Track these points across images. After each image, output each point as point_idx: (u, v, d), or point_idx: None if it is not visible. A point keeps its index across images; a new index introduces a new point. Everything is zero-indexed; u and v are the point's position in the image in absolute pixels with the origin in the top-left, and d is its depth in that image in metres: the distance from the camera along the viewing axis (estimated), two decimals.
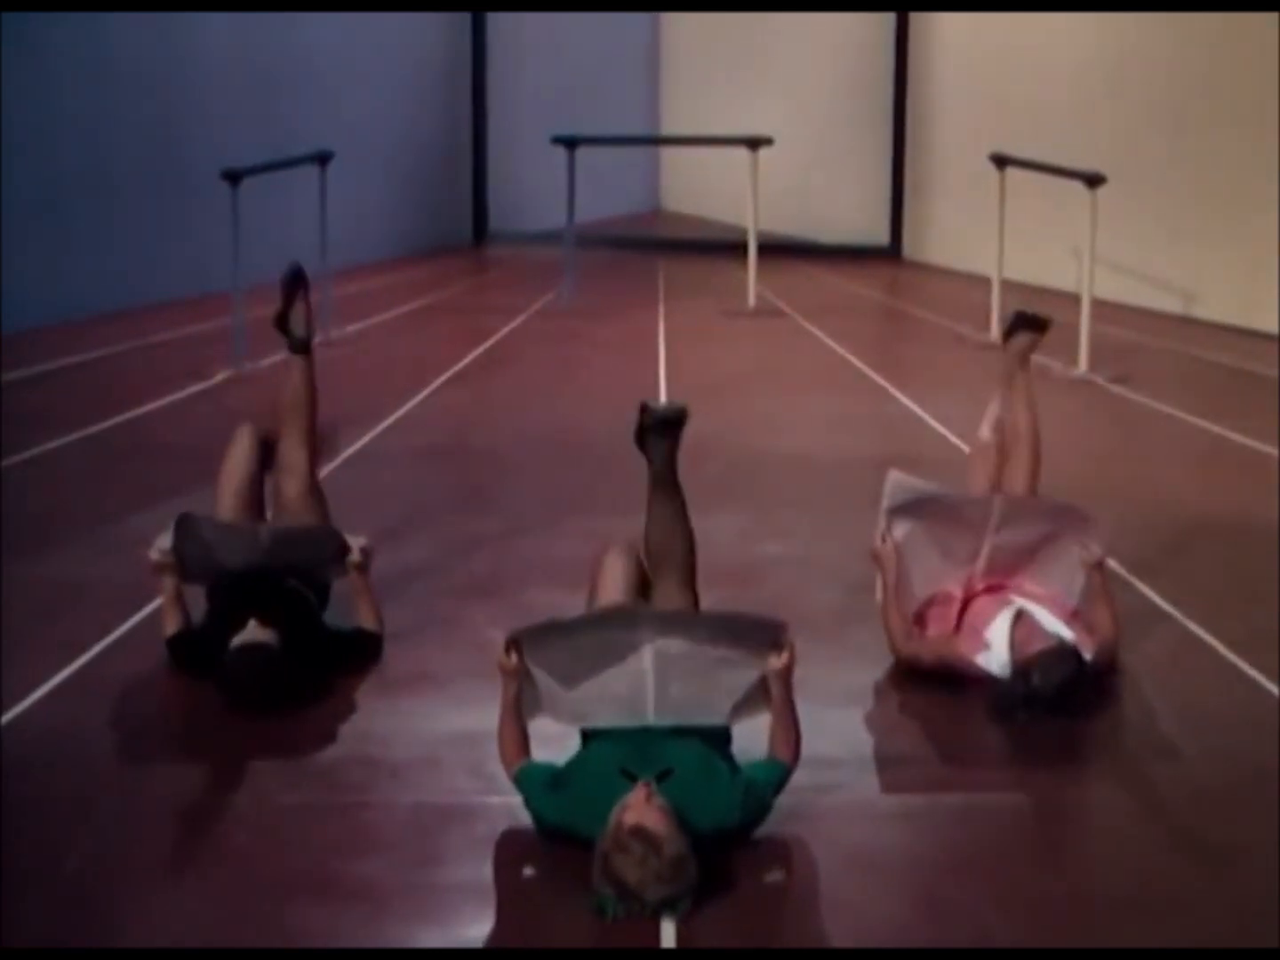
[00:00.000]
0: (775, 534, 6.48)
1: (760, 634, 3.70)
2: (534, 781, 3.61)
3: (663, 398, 9.56)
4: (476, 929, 3.30)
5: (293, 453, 5.19)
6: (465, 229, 24.58)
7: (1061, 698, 4.29)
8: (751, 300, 15.07)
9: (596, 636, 3.68)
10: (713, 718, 3.70)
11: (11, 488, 7.18)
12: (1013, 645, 4.51)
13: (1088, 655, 4.47)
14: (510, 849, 3.62)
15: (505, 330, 13.51)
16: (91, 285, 13.71)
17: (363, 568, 4.91)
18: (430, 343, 12.97)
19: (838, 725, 4.30)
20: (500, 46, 24.63)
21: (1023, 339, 5.40)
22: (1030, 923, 3.32)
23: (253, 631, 4.43)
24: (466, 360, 11.53)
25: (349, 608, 4.93)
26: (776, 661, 3.68)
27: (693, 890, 3.24)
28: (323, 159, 12.59)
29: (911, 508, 4.88)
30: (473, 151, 24.57)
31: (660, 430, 4.25)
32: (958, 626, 4.75)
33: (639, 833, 3.20)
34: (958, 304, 15.61)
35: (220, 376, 10.38)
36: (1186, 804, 3.96)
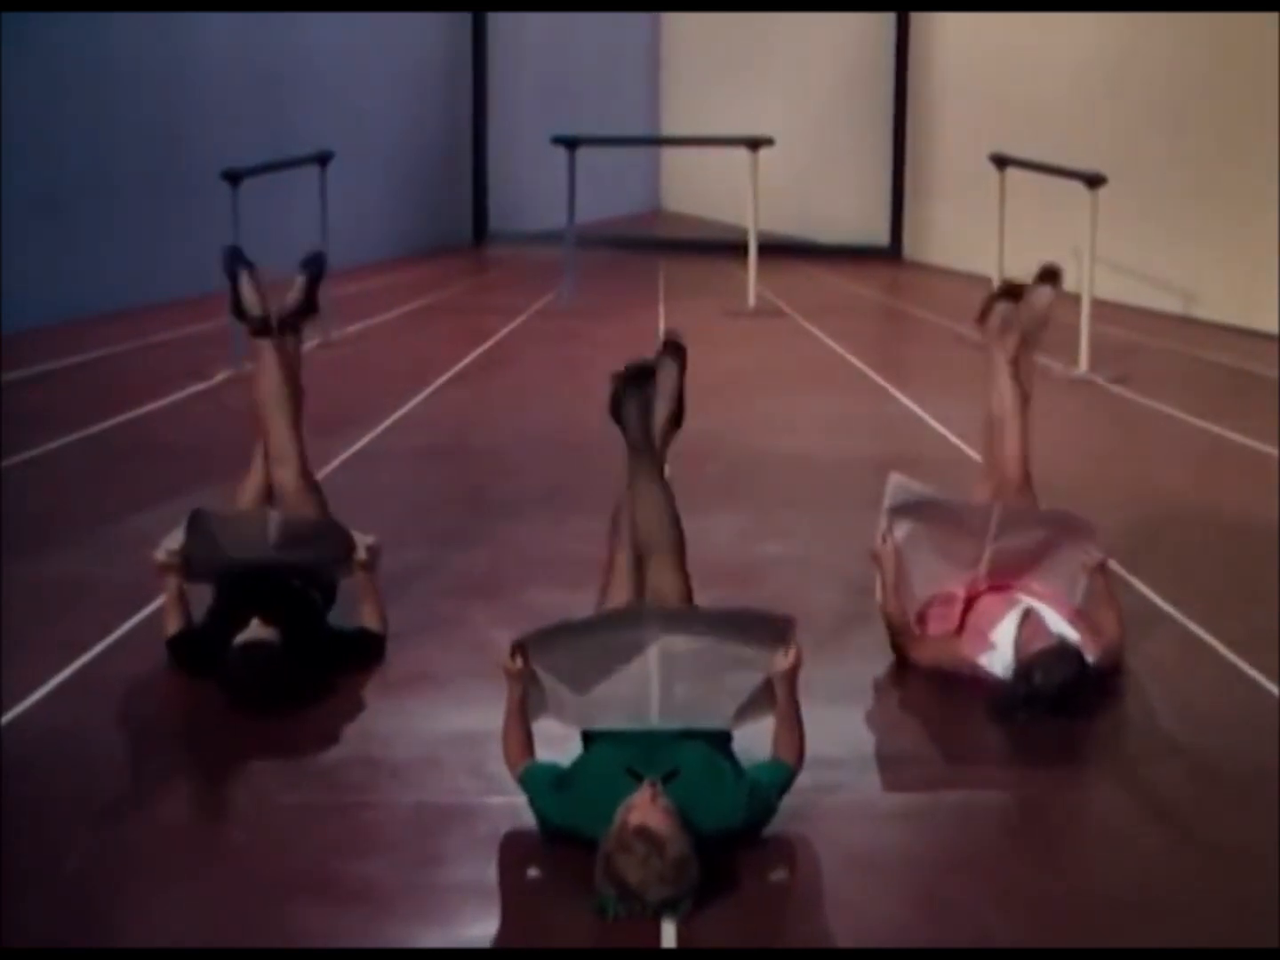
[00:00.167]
0: (775, 534, 6.47)
1: (766, 630, 3.70)
2: (538, 782, 3.61)
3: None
4: (477, 929, 3.30)
5: (283, 443, 5.16)
6: (465, 229, 24.57)
7: (1063, 698, 4.29)
8: (752, 300, 15.07)
9: (603, 638, 3.67)
10: (717, 720, 3.69)
11: (11, 488, 7.18)
12: (1018, 645, 4.50)
13: (1090, 656, 4.47)
14: (512, 849, 3.62)
15: (505, 330, 13.51)
16: (91, 285, 13.70)
17: (369, 566, 4.91)
18: (430, 343, 12.97)
19: (838, 725, 4.30)
20: (500, 47, 24.62)
21: (999, 309, 5.33)
22: (1030, 923, 3.32)
23: (255, 630, 4.43)
24: (467, 360, 11.53)
25: (353, 607, 4.93)
26: (782, 662, 3.67)
27: (694, 892, 3.24)
28: (323, 159, 12.58)
29: (912, 509, 4.88)
30: (473, 151, 24.56)
31: (630, 388, 4.18)
32: (961, 626, 4.74)
33: (643, 833, 3.20)
34: (958, 304, 15.57)
35: (220, 376, 10.38)
36: (1187, 804, 3.96)
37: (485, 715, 4.00)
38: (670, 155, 29.23)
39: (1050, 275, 5.31)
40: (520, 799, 3.66)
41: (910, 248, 23.06)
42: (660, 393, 4.26)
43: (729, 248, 18.67)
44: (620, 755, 3.53)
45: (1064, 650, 4.38)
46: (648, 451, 4.20)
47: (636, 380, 4.19)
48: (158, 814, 3.82)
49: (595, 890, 3.24)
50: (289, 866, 3.53)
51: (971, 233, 18.21)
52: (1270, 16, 13.68)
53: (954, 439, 8.37)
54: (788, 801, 3.64)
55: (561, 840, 3.52)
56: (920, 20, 22.31)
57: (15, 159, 12.37)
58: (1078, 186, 11.44)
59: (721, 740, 3.68)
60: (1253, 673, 4.80)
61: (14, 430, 8.32)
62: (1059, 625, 4.58)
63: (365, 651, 4.82)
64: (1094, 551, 4.82)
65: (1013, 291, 5.34)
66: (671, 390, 4.26)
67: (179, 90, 15.40)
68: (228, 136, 15.52)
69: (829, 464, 7.93)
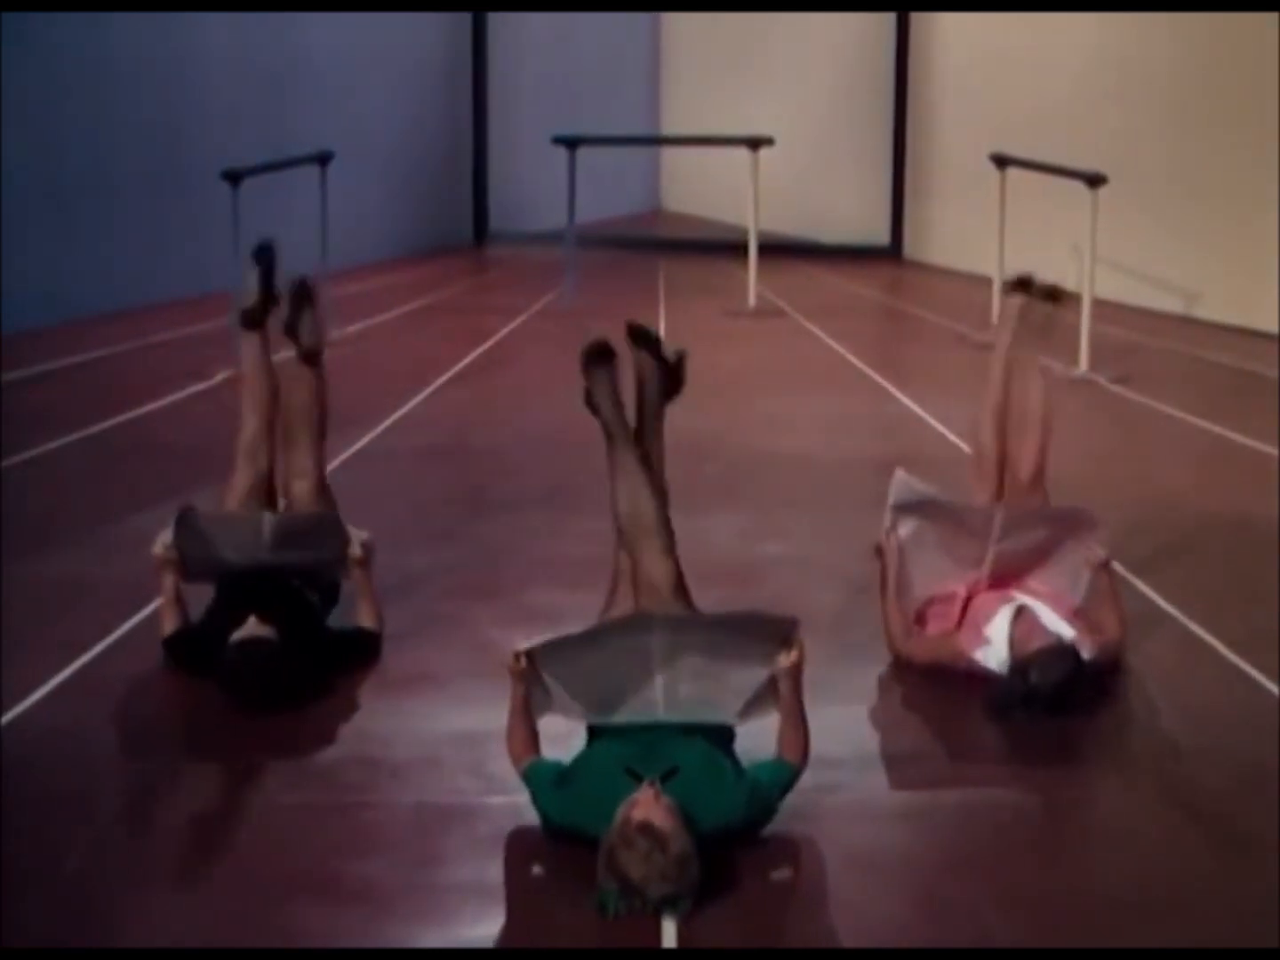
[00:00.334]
0: (775, 534, 6.47)
1: (770, 631, 3.70)
2: (540, 779, 3.61)
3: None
4: (477, 929, 3.30)
5: (303, 459, 5.24)
6: (466, 229, 24.56)
7: (1059, 696, 4.29)
8: (752, 300, 15.06)
9: (611, 647, 3.67)
10: (722, 717, 3.69)
11: (12, 488, 7.18)
12: (1012, 642, 4.50)
13: (1087, 654, 4.47)
14: (512, 849, 3.62)
15: (506, 330, 13.51)
16: (92, 285, 13.70)
17: (364, 563, 4.91)
18: (431, 343, 12.97)
19: (838, 724, 4.30)
20: (501, 47, 24.61)
21: (1011, 300, 5.34)
22: (1030, 923, 3.32)
23: (252, 628, 4.43)
24: (467, 360, 11.53)
25: (349, 605, 4.93)
26: (786, 660, 3.67)
27: (695, 889, 3.24)
28: (323, 159, 12.59)
29: (917, 507, 4.87)
30: (473, 151, 24.54)
31: (596, 373, 4.15)
32: (959, 623, 4.74)
33: (646, 829, 3.21)
34: (958, 304, 15.59)
35: (220, 376, 10.37)
36: (1187, 804, 3.96)
37: (485, 715, 4.00)
38: (670, 155, 29.22)
39: (1023, 285, 5.34)
40: (521, 798, 3.66)
41: (910, 247, 23.05)
42: (643, 378, 4.25)
43: (729, 248, 18.67)
44: (620, 753, 3.53)
45: (1061, 649, 4.37)
46: (623, 437, 4.18)
47: (599, 362, 4.17)
48: (158, 814, 3.82)
49: (597, 886, 3.24)
50: (289, 866, 3.53)
51: (972, 232, 18.21)
52: (1270, 16, 13.68)
53: (954, 439, 8.37)
54: (789, 800, 3.64)
55: (562, 837, 3.52)
56: (920, 20, 22.30)
57: (15, 159, 12.37)
58: (1078, 186, 11.44)
59: (723, 738, 3.68)
60: (1253, 673, 4.80)
61: (14, 430, 8.32)
62: (1054, 622, 4.58)
63: (362, 650, 4.82)
64: (1098, 549, 4.81)
65: (1024, 285, 5.35)
66: (651, 372, 4.27)
67: (179, 90, 15.39)
68: (228, 136, 15.51)
69: (829, 464, 7.93)
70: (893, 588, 4.82)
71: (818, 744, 3.75)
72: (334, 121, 17.78)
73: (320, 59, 18.51)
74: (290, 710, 4.39)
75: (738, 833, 3.51)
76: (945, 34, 21.57)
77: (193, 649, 4.63)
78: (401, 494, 7.21)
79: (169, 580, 4.77)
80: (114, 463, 7.93)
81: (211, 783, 4.07)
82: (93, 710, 4.45)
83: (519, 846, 3.61)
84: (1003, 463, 5.20)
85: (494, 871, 3.53)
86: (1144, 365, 11.63)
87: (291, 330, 5.38)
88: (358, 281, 16.66)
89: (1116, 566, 5.02)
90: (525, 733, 3.71)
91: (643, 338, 4.27)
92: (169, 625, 4.75)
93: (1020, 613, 4.59)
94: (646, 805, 3.27)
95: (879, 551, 4.90)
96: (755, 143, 15.14)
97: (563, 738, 3.77)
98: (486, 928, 3.31)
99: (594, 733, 3.72)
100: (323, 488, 5.24)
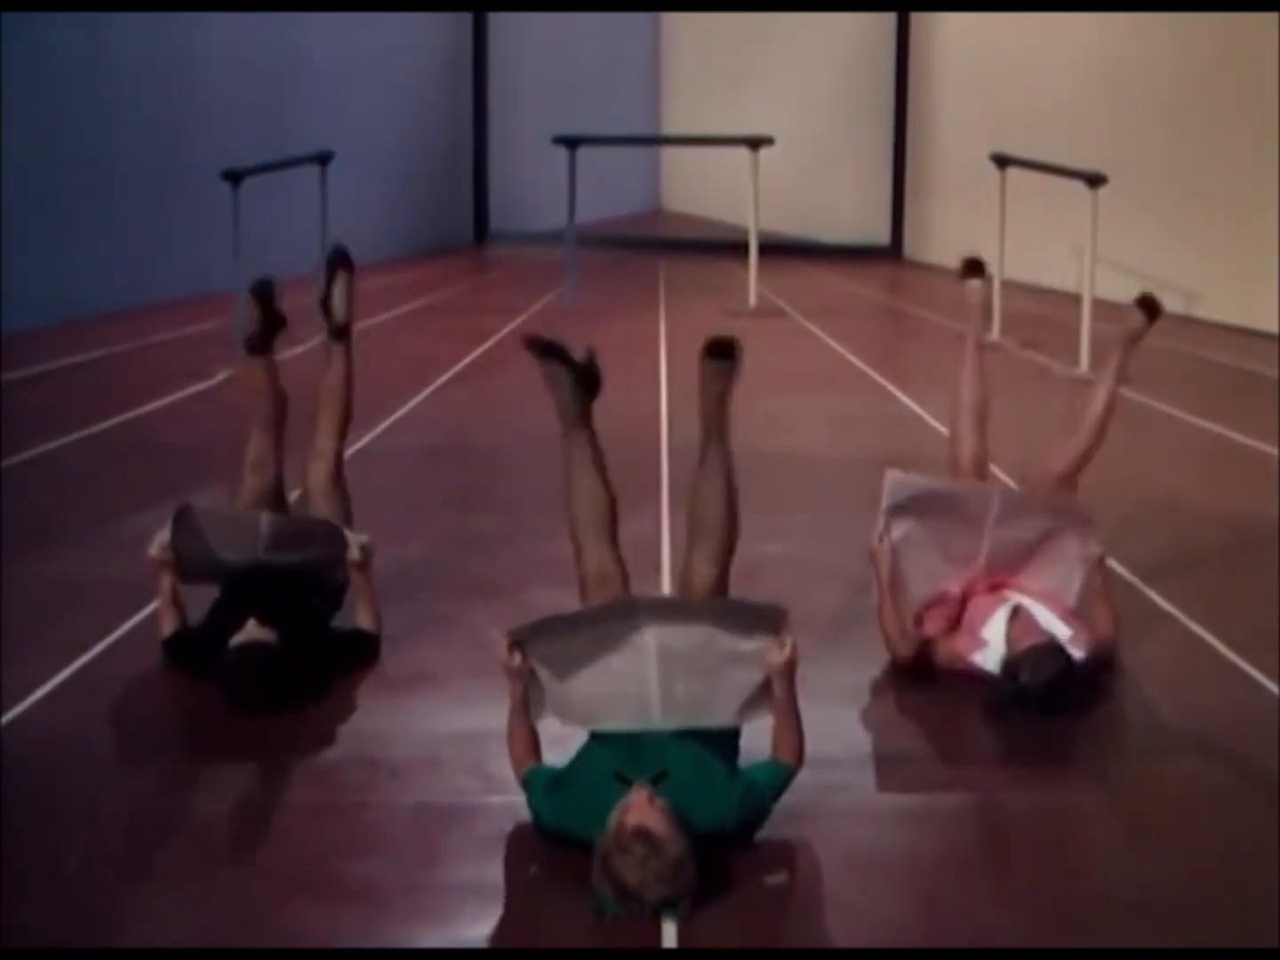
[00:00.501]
0: (775, 534, 6.47)
1: (759, 620, 3.69)
2: (536, 784, 3.62)
3: (664, 397, 9.57)
4: (477, 929, 3.30)
5: (324, 440, 5.28)
6: (466, 229, 24.56)
7: (1051, 695, 4.28)
8: (752, 300, 15.06)
9: (596, 630, 3.67)
10: (720, 719, 3.69)
11: (12, 488, 7.18)
12: (1009, 642, 4.50)
13: (1080, 653, 4.47)
14: (512, 849, 3.62)
15: (506, 330, 13.51)
16: (91, 285, 13.70)
17: (362, 566, 4.91)
18: (431, 342, 12.97)
19: (837, 725, 4.30)
20: (501, 47, 24.61)
21: (1136, 321, 5.49)
22: (1030, 923, 3.32)
23: (251, 631, 4.43)
24: (467, 360, 11.53)
25: (349, 608, 4.93)
26: (778, 657, 3.66)
27: (692, 892, 3.24)
28: (323, 159, 12.59)
29: (910, 506, 4.87)
30: (473, 151, 24.55)
31: (549, 361, 4.21)
32: (956, 625, 4.74)
33: (641, 834, 3.20)
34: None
35: (220, 376, 10.38)
36: (1187, 803, 3.96)
37: (485, 715, 4.00)
38: (671, 155, 29.21)
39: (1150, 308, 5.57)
40: (520, 798, 3.66)
41: (911, 247, 23.05)
42: (560, 386, 4.32)
43: (730, 247, 18.67)
44: (610, 757, 3.53)
45: (1050, 647, 4.37)
46: (580, 426, 4.25)
47: (549, 355, 4.19)
48: (158, 814, 3.82)
49: (593, 890, 3.24)
50: (289, 866, 3.53)
51: (972, 232, 18.16)
52: (1270, 16, 13.68)
53: None
54: (787, 801, 3.64)
55: (557, 841, 3.52)
56: (920, 20, 22.30)
57: (15, 159, 12.37)
58: (1078, 186, 11.44)
59: (719, 740, 3.68)
60: (1253, 672, 4.80)
61: (14, 430, 8.32)
62: (1050, 622, 4.59)
63: (361, 652, 4.82)
64: (1093, 545, 4.82)
65: (1151, 308, 5.50)
66: (563, 377, 4.32)
67: (179, 90, 15.39)
68: (228, 136, 15.51)
69: (829, 464, 7.93)
70: (886, 591, 4.82)
71: (817, 744, 3.75)
72: (334, 121, 17.78)
73: (320, 59, 18.51)
74: (290, 712, 4.39)
75: (732, 834, 3.51)
76: (945, 34, 21.57)
77: (192, 650, 4.63)
78: (401, 494, 7.21)
79: (166, 581, 4.77)
80: (114, 463, 7.93)
81: (211, 783, 4.07)
82: (93, 710, 4.45)
83: (519, 846, 3.61)
84: (982, 459, 5.26)
85: (494, 871, 3.53)
86: (1144, 365, 11.60)
87: (325, 304, 5.42)
88: (358, 281, 16.64)
89: (1113, 565, 5.02)
90: (526, 735, 3.71)
91: (544, 349, 4.31)
92: (167, 626, 4.75)
93: (1016, 613, 4.59)
94: (640, 809, 3.26)
95: (872, 557, 4.91)
96: (755, 142, 15.14)
97: (563, 739, 3.77)
98: (486, 927, 3.31)
99: (591, 736, 3.71)
100: (338, 476, 5.25)
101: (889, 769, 4.18)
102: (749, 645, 3.67)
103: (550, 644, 3.68)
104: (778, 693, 3.68)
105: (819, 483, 7.55)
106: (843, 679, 4.70)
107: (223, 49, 16.18)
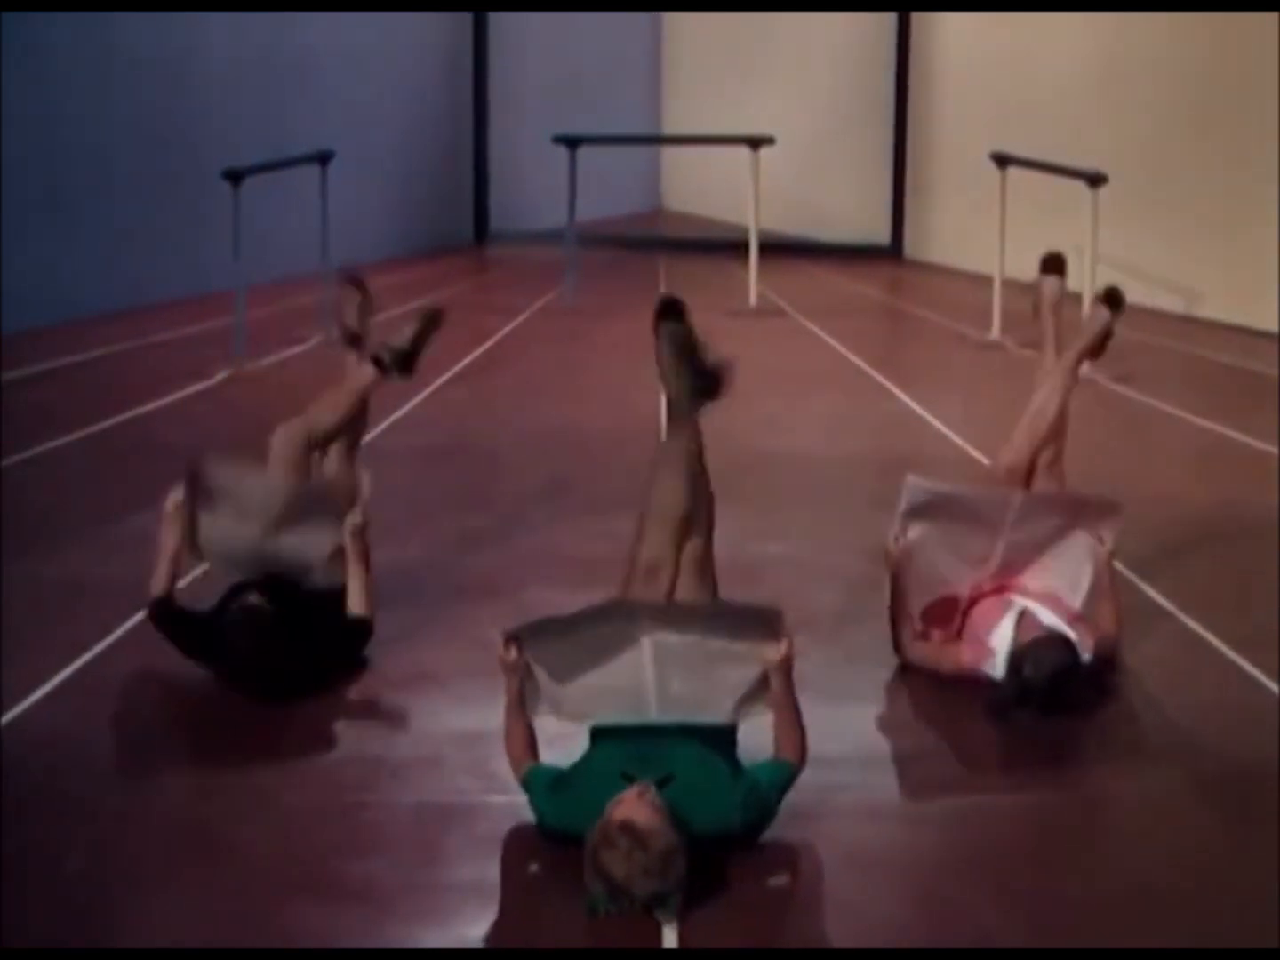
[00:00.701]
0: (775, 534, 6.47)
1: (757, 624, 3.69)
2: (538, 784, 3.61)
3: (664, 398, 9.55)
4: (477, 929, 3.30)
5: (342, 467, 5.29)
6: (466, 228, 24.58)
7: (1055, 689, 4.26)
8: (753, 299, 15.06)
9: (594, 630, 3.67)
10: (717, 715, 3.69)
11: (12, 487, 7.18)
12: (1015, 644, 4.49)
13: (1086, 655, 4.46)
14: (512, 848, 3.62)
15: (506, 330, 13.51)
16: (91, 285, 13.71)
17: (361, 532, 4.84)
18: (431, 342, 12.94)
19: (838, 725, 4.29)
20: (501, 46, 24.62)
21: (1102, 316, 5.54)
22: (1030, 923, 3.32)
23: (250, 599, 4.44)
24: (467, 360, 11.53)
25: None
26: (774, 654, 3.66)
27: (681, 887, 3.23)
28: (323, 159, 12.59)
29: (927, 509, 4.82)
30: (474, 151, 24.56)
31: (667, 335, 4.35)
32: (959, 632, 4.72)
33: (626, 827, 3.20)
34: (959, 303, 15.60)
35: (220, 376, 10.38)
36: (1187, 803, 3.96)
37: (485, 714, 4.00)
38: (671, 154, 29.23)
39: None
40: (521, 798, 3.66)
41: (911, 247, 23.06)
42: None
43: (730, 247, 18.67)
44: (617, 758, 3.53)
45: (1052, 639, 4.35)
46: (683, 423, 4.34)
47: (669, 316, 4.29)
48: (158, 814, 3.82)
49: (585, 887, 3.24)
50: (289, 866, 3.53)
51: (973, 232, 18.21)
52: (1270, 16, 13.68)
53: (955, 438, 8.37)
54: (788, 801, 3.63)
55: (559, 840, 3.52)
56: (920, 20, 22.32)
57: (15, 159, 12.37)
58: (1079, 186, 11.45)
59: (721, 741, 3.67)
60: (1253, 671, 4.80)
61: (14, 430, 8.32)
62: (1055, 624, 4.57)
63: (353, 633, 4.79)
64: (1108, 539, 4.78)
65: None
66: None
67: (179, 90, 15.40)
68: (228, 136, 15.52)
69: (829, 464, 7.92)
70: (900, 594, 4.80)
71: (818, 744, 3.74)
72: (334, 121, 17.79)
73: (320, 59, 18.51)
74: (278, 691, 4.39)
75: (738, 835, 3.51)
76: (945, 34, 21.58)
77: (179, 617, 4.62)
78: (401, 494, 7.20)
79: (171, 537, 4.75)
80: (114, 463, 7.93)
81: (211, 783, 4.06)
82: (93, 710, 4.45)
83: (519, 846, 3.61)
84: (1024, 469, 5.16)
85: (494, 871, 3.53)
86: (1145, 364, 11.62)
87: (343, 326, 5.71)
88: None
89: (1116, 565, 5.01)
90: (523, 732, 3.71)
91: (679, 346, 4.33)
92: (159, 585, 4.71)
93: (1022, 618, 4.57)
94: (629, 804, 3.27)
95: (887, 558, 4.88)
96: (756, 142, 15.14)
97: (561, 739, 3.77)
98: (486, 927, 3.31)
99: (595, 736, 3.71)
100: (352, 460, 5.30)
101: (889, 769, 4.18)
102: (743, 647, 3.67)
103: (547, 644, 3.68)
104: (775, 688, 3.67)
105: (819, 483, 7.55)
106: (843, 679, 4.70)
107: (223, 49, 16.18)
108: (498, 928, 3.32)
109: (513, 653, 3.67)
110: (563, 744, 3.75)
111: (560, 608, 4.38)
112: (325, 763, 4.16)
